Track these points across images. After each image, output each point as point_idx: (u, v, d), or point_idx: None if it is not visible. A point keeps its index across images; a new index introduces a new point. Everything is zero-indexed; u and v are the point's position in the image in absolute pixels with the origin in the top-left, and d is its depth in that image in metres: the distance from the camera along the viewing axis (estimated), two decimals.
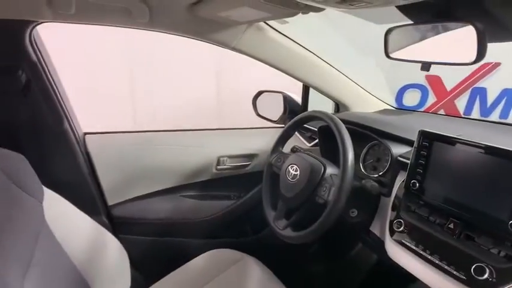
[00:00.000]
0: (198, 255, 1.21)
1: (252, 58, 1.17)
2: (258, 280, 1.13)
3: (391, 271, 0.95)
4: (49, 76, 1.06)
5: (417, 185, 0.80)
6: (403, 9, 0.65)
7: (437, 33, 0.71)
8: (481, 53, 0.62)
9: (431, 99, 2.95)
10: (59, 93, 1.11)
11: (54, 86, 1.08)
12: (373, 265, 1.50)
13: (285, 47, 1.19)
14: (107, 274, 1.00)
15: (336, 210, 0.84)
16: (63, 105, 1.12)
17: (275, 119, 1.44)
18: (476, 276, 0.62)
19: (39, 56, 1.03)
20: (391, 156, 0.94)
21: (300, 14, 0.74)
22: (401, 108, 1.50)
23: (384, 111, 1.42)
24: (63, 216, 0.92)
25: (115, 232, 1.14)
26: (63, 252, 0.87)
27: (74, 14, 0.79)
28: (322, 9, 0.69)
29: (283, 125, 1.36)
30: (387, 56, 0.81)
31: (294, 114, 1.13)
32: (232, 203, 1.43)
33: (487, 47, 0.61)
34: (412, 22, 0.71)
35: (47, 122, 1.09)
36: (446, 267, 0.68)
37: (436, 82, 2.89)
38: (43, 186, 0.89)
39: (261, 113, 1.51)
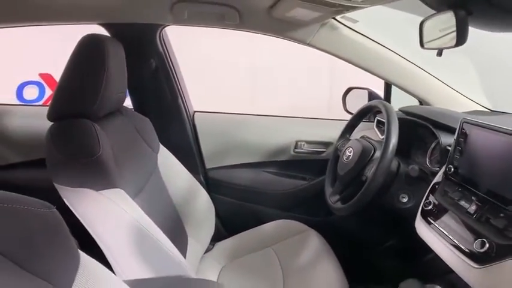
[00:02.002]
0: (270, 221, 1.42)
1: (328, 54, 1.31)
2: (315, 251, 1.26)
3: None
4: (171, 65, 1.42)
5: (452, 169, 0.84)
6: None
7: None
8: (460, 38, 0.68)
9: None
10: (178, 79, 1.46)
11: (174, 72, 1.44)
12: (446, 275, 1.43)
13: (360, 44, 1.29)
14: (196, 217, 1.29)
15: (372, 187, 0.95)
16: (180, 88, 1.47)
17: None
18: (476, 249, 0.66)
19: (165, 50, 1.39)
20: (440, 145, 0.97)
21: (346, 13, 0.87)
22: (496, 111, 1.39)
23: (474, 112, 1.35)
24: (170, 166, 1.25)
25: (208, 189, 1.45)
26: (166, 189, 1.20)
27: (186, 19, 1.11)
28: (354, 7, 0.80)
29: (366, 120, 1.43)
30: (422, 46, 0.86)
31: (378, 111, 1.21)
32: (306, 183, 1.57)
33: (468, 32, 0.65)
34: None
35: (166, 98, 1.44)
36: (455, 241, 0.72)
37: None
38: (159, 143, 1.25)
39: (348, 109, 1.61)
